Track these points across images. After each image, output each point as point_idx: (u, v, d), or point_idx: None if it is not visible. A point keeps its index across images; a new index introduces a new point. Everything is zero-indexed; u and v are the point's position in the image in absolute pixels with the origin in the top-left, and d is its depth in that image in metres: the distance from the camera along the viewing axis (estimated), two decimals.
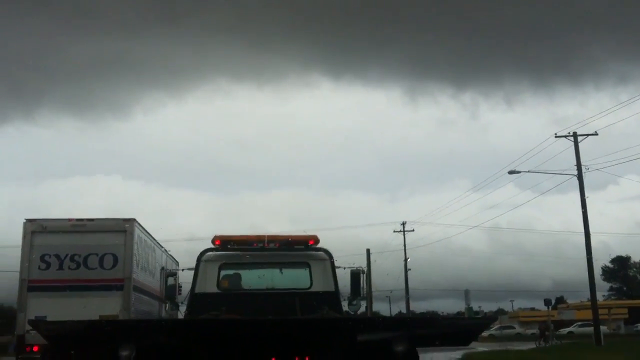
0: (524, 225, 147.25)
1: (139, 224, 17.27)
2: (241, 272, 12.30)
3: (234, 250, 11.96)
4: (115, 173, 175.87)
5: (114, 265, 16.30)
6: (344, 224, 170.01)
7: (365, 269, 13.23)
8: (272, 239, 12.10)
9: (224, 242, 11.91)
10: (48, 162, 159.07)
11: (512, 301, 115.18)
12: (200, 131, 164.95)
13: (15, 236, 16.77)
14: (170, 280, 12.37)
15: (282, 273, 12.13)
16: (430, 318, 11.61)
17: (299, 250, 12.07)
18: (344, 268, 12.29)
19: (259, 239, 12.03)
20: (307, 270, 11.97)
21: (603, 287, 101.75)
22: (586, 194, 41.06)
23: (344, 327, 7.76)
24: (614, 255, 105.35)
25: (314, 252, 12.03)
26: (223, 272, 11.93)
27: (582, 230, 40.78)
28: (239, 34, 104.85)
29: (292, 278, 12.15)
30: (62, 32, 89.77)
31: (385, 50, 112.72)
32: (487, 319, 17.23)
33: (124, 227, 16.62)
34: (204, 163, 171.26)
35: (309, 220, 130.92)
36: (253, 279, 12.26)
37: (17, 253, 16.46)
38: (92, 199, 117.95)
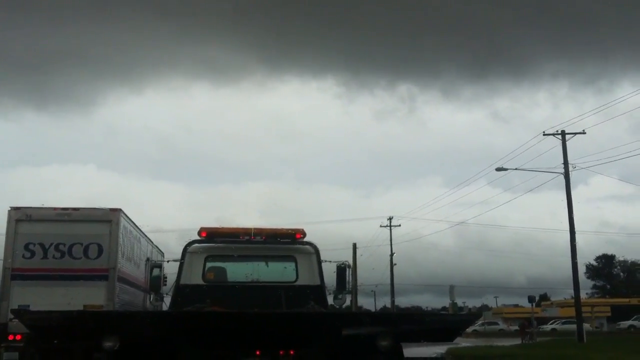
0: (504, 223, 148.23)
1: (125, 214, 17.18)
2: (227, 264, 12.27)
3: (220, 243, 11.93)
4: (89, 163, 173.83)
5: (98, 255, 16.19)
6: (331, 218, 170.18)
7: (351, 264, 13.24)
8: (259, 232, 12.07)
9: (210, 234, 11.87)
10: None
11: (496, 297, 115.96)
12: (171, 123, 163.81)
13: None
14: (156, 272, 12.30)
15: (268, 266, 12.11)
16: (415, 314, 11.66)
17: (285, 243, 12.05)
18: (330, 262, 12.29)
19: (246, 232, 12.00)
20: (294, 264, 11.96)
21: (587, 285, 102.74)
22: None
23: (329, 322, 7.77)
24: (589, 254, 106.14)
25: (300, 246, 12.02)
26: (209, 264, 11.89)
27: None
28: (211, 27, 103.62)
29: (278, 271, 12.13)
30: (26, 23, 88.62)
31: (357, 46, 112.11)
32: (472, 316, 17.29)
33: (110, 217, 16.51)
34: (177, 154, 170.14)
35: (292, 214, 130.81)
36: (239, 271, 12.23)
37: (1, 241, 16.33)
38: (66, 188, 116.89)
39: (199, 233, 11.89)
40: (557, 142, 42.33)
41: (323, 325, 7.55)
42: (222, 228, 12.13)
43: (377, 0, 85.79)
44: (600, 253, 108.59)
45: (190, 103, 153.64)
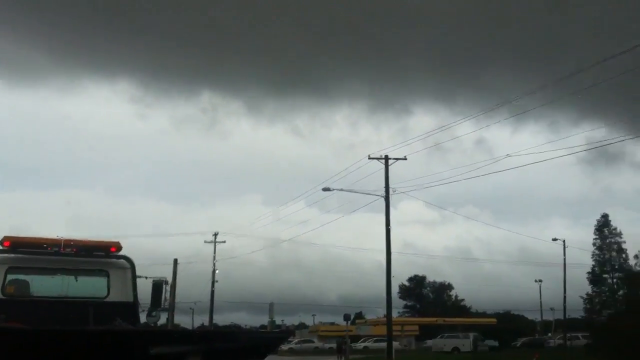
0: (321, 242, 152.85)
1: None
2: (32, 277, 11.45)
3: (24, 254, 11.10)
4: None
5: None
6: (149, 232, 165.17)
7: (169, 280, 12.90)
8: (70, 243, 11.38)
9: (14, 244, 11.02)
10: None
11: (314, 315, 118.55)
12: None
13: None
14: None
15: (77, 280, 11.44)
16: (226, 331, 11.49)
17: (98, 257, 11.48)
18: (146, 278, 11.88)
19: (55, 243, 11.28)
20: (106, 279, 11.41)
21: (399, 304, 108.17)
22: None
23: (134, 340, 7.43)
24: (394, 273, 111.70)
25: (114, 260, 11.50)
26: (10, 277, 11.01)
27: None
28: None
29: (88, 286, 11.51)
30: None
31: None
32: (284, 333, 17.50)
33: None
34: None
35: (105, 226, 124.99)
36: (44, 285, 11.44)
37: None
38: None
39: (1, 242, 10.99)
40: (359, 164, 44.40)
41: (128, 344, 7.21)
42: (29, 238, 11.31)
43: (184, 6, 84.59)
44: (405, 273, 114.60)
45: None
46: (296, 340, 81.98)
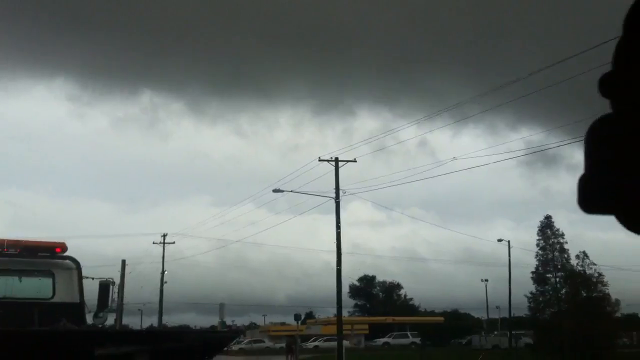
0: (271, 243, 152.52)
1: None
2: None
3: None
4: None
5: None
6: (97, 233, 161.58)
7: (117, 281, 12.80)
8: (14, 244, 11.21)
9: None
10: None
11: (264, 315, 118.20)
12: None
13: None
14: None
15: (21, 281, 11.27)
16: (171, 331, 11.49)
17: (43, 257, 11.33)
18: (93, 279, 11.77)
19: None
20: (51, 280, 11.27)
21: (349, 304, 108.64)
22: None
23: (78, 341, 7.40)
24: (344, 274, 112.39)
25: (59, 261, 11.38)
26: None
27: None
28: None
29: (33, 287, 11.35)
30: None
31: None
32: (232, 332, 17.51)
33: None
34: None
35: (48, 227, 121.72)
36: None
37: None
38: None
39: None
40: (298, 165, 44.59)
41: (73, 345, 7.18)
42: None
43: (125, 4, 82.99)
44: (354, 273, 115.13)
45: None
46: (247, 340, 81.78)
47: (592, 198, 0.97)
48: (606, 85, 0.96)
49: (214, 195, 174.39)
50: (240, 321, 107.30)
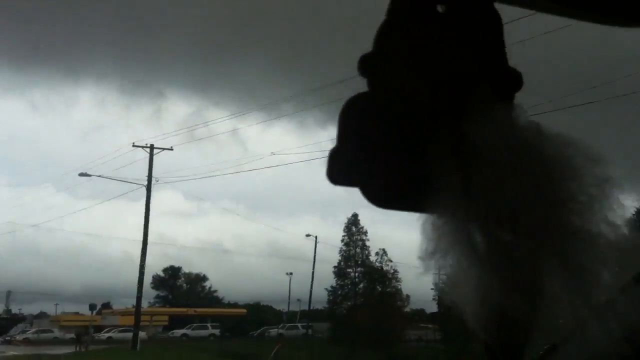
0: (69, 229, 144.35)
1: None
2: None
3: None
4: None
5: None
6: None
7: None
8: None
9: None
10: None
11: (56, 305, 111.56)
12: None
13: None
14: None
15: None
16: None
17: None
18: None
19: None
20: None
21: (151, 295, 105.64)
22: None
23: None
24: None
25: None
26: None
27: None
28: None
29: None
30: None
31: None
32: (12, 320, 15.87)
33: None
34: None
35: None
36: None
37: None
38: None
39: None
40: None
41: None
42: None
43: None
44: (159, 264, 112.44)
45: None
46: (33, 330, 76.89)
47: (338, 170, 0.97)
48: (365, 65, 1.00)
49: (7, 176, 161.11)
50: (29, 309, 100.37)
